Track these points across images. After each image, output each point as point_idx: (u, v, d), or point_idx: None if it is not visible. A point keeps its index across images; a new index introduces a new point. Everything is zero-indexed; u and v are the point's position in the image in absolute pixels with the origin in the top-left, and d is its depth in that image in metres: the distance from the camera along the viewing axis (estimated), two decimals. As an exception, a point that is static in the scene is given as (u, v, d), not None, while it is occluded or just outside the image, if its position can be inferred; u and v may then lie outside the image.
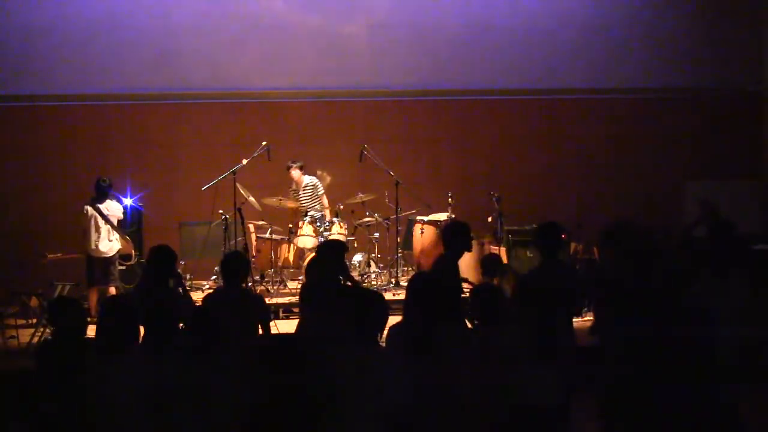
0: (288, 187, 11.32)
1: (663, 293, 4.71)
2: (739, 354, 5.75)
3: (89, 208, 9.62)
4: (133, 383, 4.78)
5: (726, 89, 12.56)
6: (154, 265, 6.30)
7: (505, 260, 10.42)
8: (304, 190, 11.03)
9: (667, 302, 4.57)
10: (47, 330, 8.78)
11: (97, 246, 9.58)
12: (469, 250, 6.71)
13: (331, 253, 6.42)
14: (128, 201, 10.51)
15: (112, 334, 4.84)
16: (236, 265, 6.05)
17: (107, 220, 9.58)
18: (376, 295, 4.92)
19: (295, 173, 11.00)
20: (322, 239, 10.25)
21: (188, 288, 10.23)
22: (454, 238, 6.55)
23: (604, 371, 5.57)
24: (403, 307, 5.23)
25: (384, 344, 5.15)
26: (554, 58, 12.24)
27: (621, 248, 6.01)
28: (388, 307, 4.79)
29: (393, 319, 5.51)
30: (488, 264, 7.95)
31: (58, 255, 10.17)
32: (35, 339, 8.73)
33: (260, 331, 5.99)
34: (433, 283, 5.24)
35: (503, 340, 5.00)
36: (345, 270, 6.71)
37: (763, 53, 12.69)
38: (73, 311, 5.34)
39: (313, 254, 9.88)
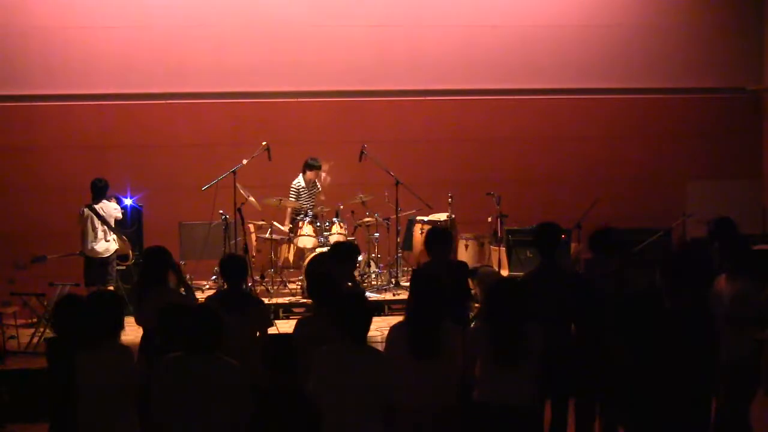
0: (285, 185, 11.25)
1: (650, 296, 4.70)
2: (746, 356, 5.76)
3: (85, 209, 9.64)
4: (126, 381, 4.79)
5: (726, 89, 12.55)
6: (148, 265, 6.33)
7: (505, 260, 10.43)
8: (315, 188, 11.01)
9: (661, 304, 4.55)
10: (47, 330, 8.80)
11: (93, 247, 9.60)
12: (448, 257, 6.67)
13: (348, 256, 6.50)
14: (128, 201, 10.51)
15: (96, 324, 4.84)
16: (234, 267, 6.06)
17: (103, 221, 9.60)
18: (357, 296, 4.93)
19: (322, 173, 10.94)
20: (322, 239, 10.25)
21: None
22: (434, 246, 6.53)
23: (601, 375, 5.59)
24: (406, 306, 5.25)
25: (384, 343, 5.17)
26: (554, 58, 12.22)
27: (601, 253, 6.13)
28: (366, 308, 4.76)
29: (393, 319, 5.52)
30: None
31: (56, 255, 10.16)
32: (35, 339, 8.74)
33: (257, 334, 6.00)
34: (436, 283, 5.26)
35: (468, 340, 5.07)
36: (350, 275, 6.75)
37: (763, 53, 12.68)
38: (78, 309, 5.39)
39: (313, 254, 9.94)
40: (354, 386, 4.55)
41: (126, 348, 4.91)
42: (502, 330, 4.91)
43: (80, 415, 4.81)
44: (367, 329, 4.69)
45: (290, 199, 10.84)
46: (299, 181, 10.95)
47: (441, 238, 6.58)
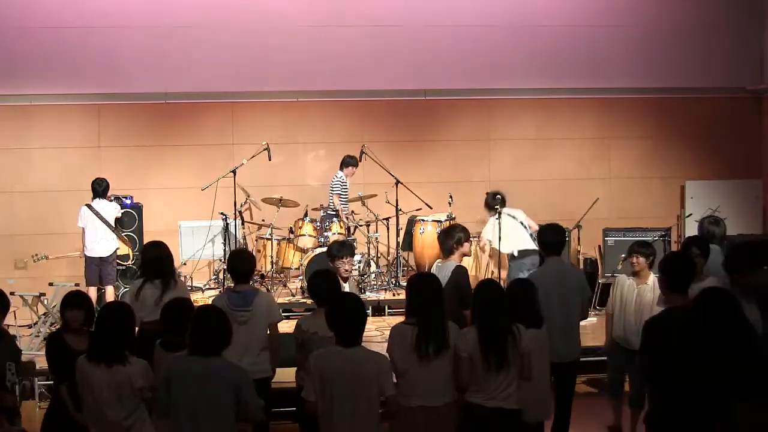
0: (285, 185, 11.29)
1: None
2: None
3: (86, 209, 9.65)
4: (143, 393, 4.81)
5: (726, 89, 12.54)
6: (145, 261, 6.35)
7: (505, 260, 10.42)
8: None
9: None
10: (48, 329, 8.81)
11: (93, 246, 9.62)
12: (469, 254, 6.74)
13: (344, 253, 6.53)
14: (128, 201, 10.52)
15: (107, 340, 4.85)
16: (244, 265, 6.05)
17: (104, 221, 9.61)
18: (347, 298, 4.94)
19: (354, 170, 10.92)
20: (322, 239, 10.25)
21: (188, 288, 10.30)
22: (456, 244, 6.51)
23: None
24: (406, 307, 5.25)
25: (387, 343, 5.16)
26: (553, 57, 12.19)
27: None
28: (356, 309, 4.76)
29: (393, 319, 5.51)
30: None
31: (56, 255, 10.18)
32: (35, 340, 8.74)
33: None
34: (435, 282, 5.28)
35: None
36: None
37: (763, 53, 12.68)
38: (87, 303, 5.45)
39: (313, 254, 9.93)
40: (347, 386, 4.56)
41: (141, 361, 4.93)
42: (489, 333, 4.92)
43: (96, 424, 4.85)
44: (359, 330, 4.68)
45: (335, 192, 10.82)
46: (342, 175, 10.94)
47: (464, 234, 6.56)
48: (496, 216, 8.81)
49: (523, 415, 5.13)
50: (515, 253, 9.02)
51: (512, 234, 8.95)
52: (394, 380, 4.85)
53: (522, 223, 9.07)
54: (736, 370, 4.14)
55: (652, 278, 6.62)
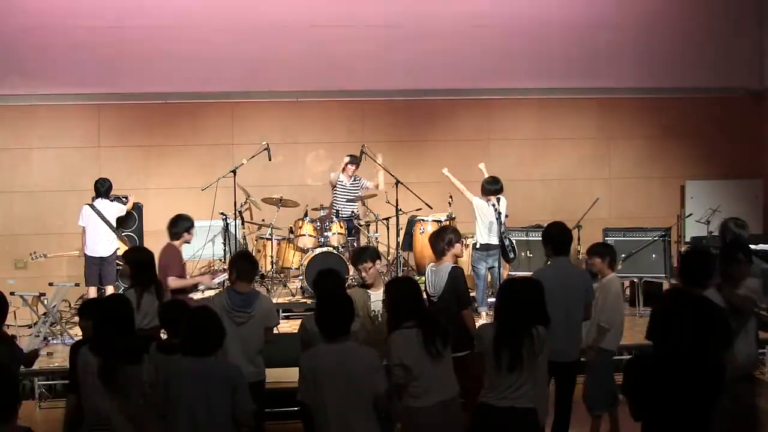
0: (285, 185, 11.27)
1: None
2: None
3: (88, 208, 9.66)
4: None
5: (726, 89, 12.54)
6: (145, 267, 6.36)
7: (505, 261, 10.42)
8: (353, 184, 10.93)
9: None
10: (49, 329, 8.81)
11: (94, 246, 9.62)
12: (461, 256, 6.73)
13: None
14: (129, 201, 10.51)
15: (109, 332, 4.85)
16: (251, 266, 6.04)
17: (105, 221, 9.61)
18: (330, 298, 4.95)
19: (352, 167, 10.79)
20: (322, 239, 10.24)
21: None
22: (447, 245, 6.52)
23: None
24: (395, 312, 5.28)
25: (391, 347, 5.14)
26: (554, 57, 12.19)
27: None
28: (342, 305, 4.79)
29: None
30: None
31: (56, 254, 10.17)
32: (35, 340, 8.73)
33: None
34: (414, 282, 5.39)
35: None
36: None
37: (763, 53, 12.68)
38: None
39: (313, 254, 9.93)
40: (339, 384, 4.56)
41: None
42: (505, 332, 4.91)
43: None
44: (341, 327, 4.68)
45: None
46: (337, 173, 10.86)
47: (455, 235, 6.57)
48: (490, 203, 9.11)
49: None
50: (478, 245, 9.34)
51: (492, 225, 9.14)
52: (389, 377, 4.85)
53: (498, 218, 9.08)
54: (714, 370, 4.17)
55: (608, 278, 6.59)
